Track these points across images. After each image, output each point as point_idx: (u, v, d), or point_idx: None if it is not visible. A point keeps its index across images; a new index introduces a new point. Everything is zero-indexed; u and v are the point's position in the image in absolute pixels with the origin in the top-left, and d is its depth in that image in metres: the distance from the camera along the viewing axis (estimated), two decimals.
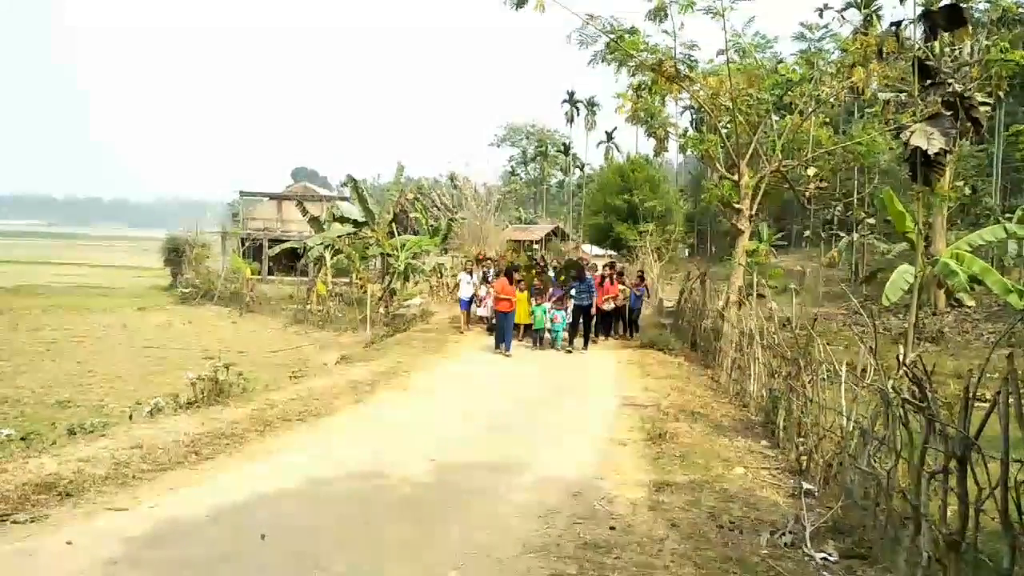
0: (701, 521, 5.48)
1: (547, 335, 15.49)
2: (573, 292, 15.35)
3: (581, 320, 15.39)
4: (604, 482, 6.45)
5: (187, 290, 30.14)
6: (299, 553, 4.69)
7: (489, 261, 19.96)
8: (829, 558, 4.80)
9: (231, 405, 8.83)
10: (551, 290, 15.63)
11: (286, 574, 4.37)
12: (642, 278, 19.26)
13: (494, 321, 15.51)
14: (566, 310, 15.20)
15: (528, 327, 15.80)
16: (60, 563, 4.37)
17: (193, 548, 4.71)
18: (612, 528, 5.27)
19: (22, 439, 7.29)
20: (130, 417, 8.30)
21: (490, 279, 16.71)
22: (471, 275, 17.54)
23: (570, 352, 14.65)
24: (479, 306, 17.27)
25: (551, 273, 17.70)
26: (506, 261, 20.44)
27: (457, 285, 18.86)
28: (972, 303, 21.80)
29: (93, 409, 9.96)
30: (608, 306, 16.37)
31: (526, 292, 15.64)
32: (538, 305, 15.29)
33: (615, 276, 17.24)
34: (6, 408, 10.19)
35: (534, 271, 17.88)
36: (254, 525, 5.08)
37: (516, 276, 14.91)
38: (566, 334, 15.24)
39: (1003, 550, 3.41)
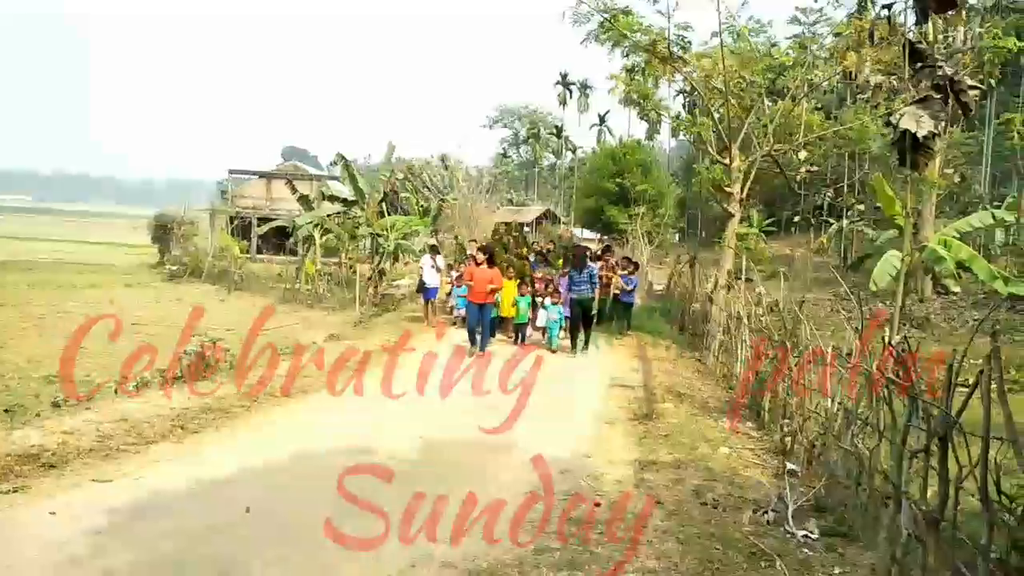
0: (685, 498, 5.53)
1: (530, 331, 13.47)
2: (566, 284, 13.14)
3: (581, 317, 12.68)
4: (591, 460, 6.50)
5: (175, 267, 29.91)
6: (284, 526, 4.70)
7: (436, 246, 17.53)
8: (810, 535, 4.85)
9: (217, 381, 8.81)
10: (555, 280, 13.85)
11: (271, 546, 4.38)
12: (637, 265, 17.02)
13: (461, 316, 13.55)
14: (564, 304, 12.99)
15: (509, 321, 13.60)
16: (44, 533, 4.36)
17: (178, 520, 4.71)
18: (597, 505, 5.31)
19: (6, 411, 7.22)
20: (116, 391, 8.26)
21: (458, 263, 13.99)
22: (434, 259, 15.43)
23: (573, 355, 12.33)
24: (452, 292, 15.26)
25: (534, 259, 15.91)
26: (483, 241, 17.25)
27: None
28: (958, 290, 22.00)
29: (79, 384, 9.87)
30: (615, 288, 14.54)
31: (513, 280, 13.54)
32: (521, 296, 13.16)
33: (613, 263, 15.49)
34: None
35: (518, 256, 15.78)
36: (239, 498, 5.08)
37: (478, 258, 12.34)
38: (563, 333, 13.03)
39: (981, 528, 3.45)
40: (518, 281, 13.70)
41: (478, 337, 11.80)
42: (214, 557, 4.19)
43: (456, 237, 20.24)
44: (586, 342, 12.60)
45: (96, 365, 11.82)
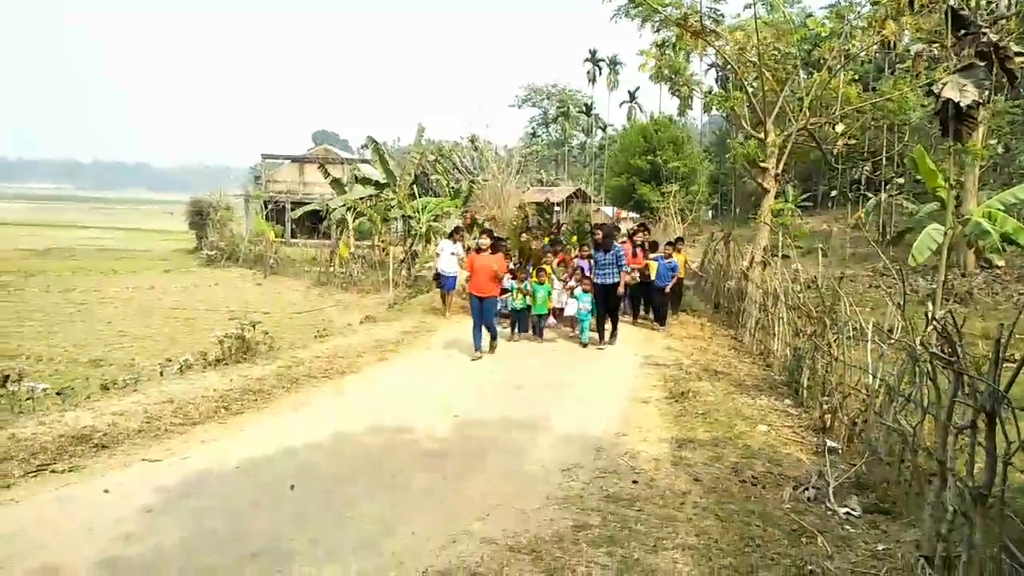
0: (724, 476, 5.52)
1: (552, 322, 12.39)
2: (587, 267, 12.08)
3: (606, 304, 11.41)
4: (626, 438, 6.50)
5: (212, 252, 30.46)
6: (328, 502, 4.80)
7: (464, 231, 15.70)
8: (852, 513, 4.82)
9: (258, 363, 9.00)
10: (575, 265, 12.65)
11: (315, 522, 4.48)
12: (673, 244, 14.77)
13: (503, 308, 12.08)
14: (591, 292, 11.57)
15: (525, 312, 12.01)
16: (99, 510, 4.52)
17: (225, 498, 4.84)
18: (635, 482, 5.32)
19: (57, 394, 7.48)
20: (161, 374, 8.48)
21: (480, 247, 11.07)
22: (455, 243, 14.21)
23: (602, 349, 11.14)
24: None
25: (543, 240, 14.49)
26: (504, 224, 15.72)
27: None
28: (1002, 263, 21.43)
29: (124, 367, 10.15)
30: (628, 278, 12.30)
31: (540, 268, 12.21)
32: (539, 284, 11.73)
33: (646, 244, 13.92)
34: (41, 366, 10.44)
35: (534, 237, 14.76)
36: (283, 476, 5.21)
37: (483, 244, 10.82)
38: (594, 321, 11.65)
39: None
40: (535, 269, 12.31)
41: (488, 334, 10.46)
42: (261, 533, 4.30)
43: (473, 218, 19.29)
44: (613, 332, 11.48)
45: (139, 348, 12.17)
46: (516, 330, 11.94)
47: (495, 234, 12.42)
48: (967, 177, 22.19)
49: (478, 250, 10.75)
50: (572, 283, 12.10)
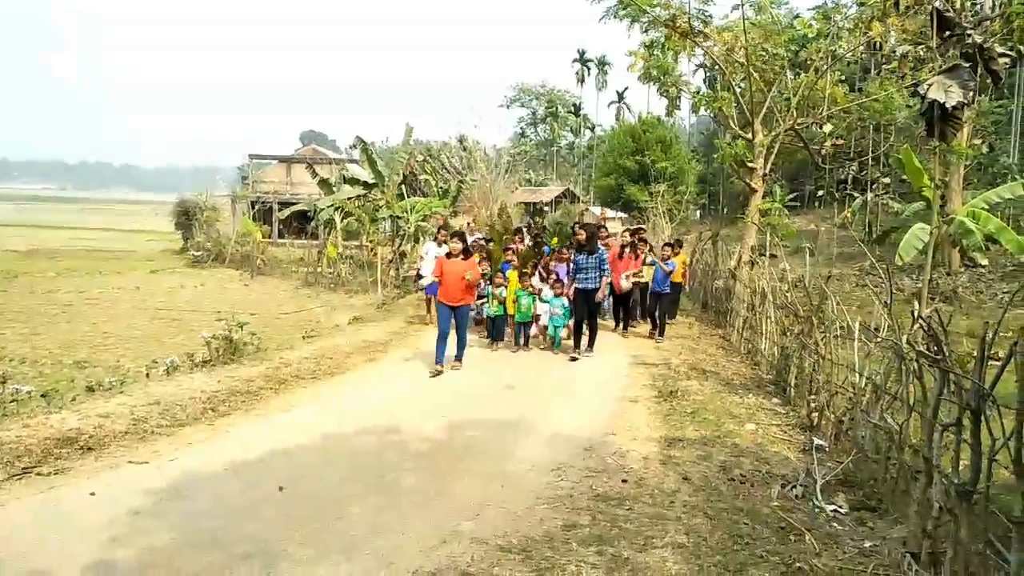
0: (712, 474, 5.54)
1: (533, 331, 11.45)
2: (565, 270, 11.36)
3: (586, 310, 10.55)
4: (616, 438, 6.52)
5: (199, 253, 30.23)
6: (317, 503, 4.79)
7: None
8: (839, 510, 4.85)
9: (245, 364, 8.95)
10: (554, 269, 11.58)
11: (304, 524, 4.45)
12: (672, 246, 13.56)
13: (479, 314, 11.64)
14: (567, 297, 10.81)
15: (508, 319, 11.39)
16: (85, 513, 4.48)
17: (214, 500, 4.81)
18: (624, 481, 5.34)
19: (42, 396, 7.40)
20: (147, 375, 8.41)
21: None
22: (440, 245, 12.42)
23: (575, 359, 10.33)
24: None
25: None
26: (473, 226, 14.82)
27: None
28: (986, 262, 21.66)
29: (110, 368, 10.06)
30: (627, 284, 12.14)
31: (516, 272, 11.62)
32: (523, 290, 11.07)
33: (640, 245, 12.91)
34: (25, 368, 10.32)
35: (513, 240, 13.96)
36: (272, 478, 5.18)
37: (453, 249, 9.65)
38: (567, 330, 11.22)
39: (1015, 500, 3.43)
40: (518, 273, 11.58)
41: (456, 346, 9.57)
42: (250, 535, 4.28)
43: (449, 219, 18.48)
44: (591, 341, 10.62)
45: (125, 350, 12.07)
46: (493, 337, 11.29)
47: (469, 237, 11.60)
48: (952, 177, 22.41)
49: (448, 255, 9.78)
50: (538, 285, 11.31)
